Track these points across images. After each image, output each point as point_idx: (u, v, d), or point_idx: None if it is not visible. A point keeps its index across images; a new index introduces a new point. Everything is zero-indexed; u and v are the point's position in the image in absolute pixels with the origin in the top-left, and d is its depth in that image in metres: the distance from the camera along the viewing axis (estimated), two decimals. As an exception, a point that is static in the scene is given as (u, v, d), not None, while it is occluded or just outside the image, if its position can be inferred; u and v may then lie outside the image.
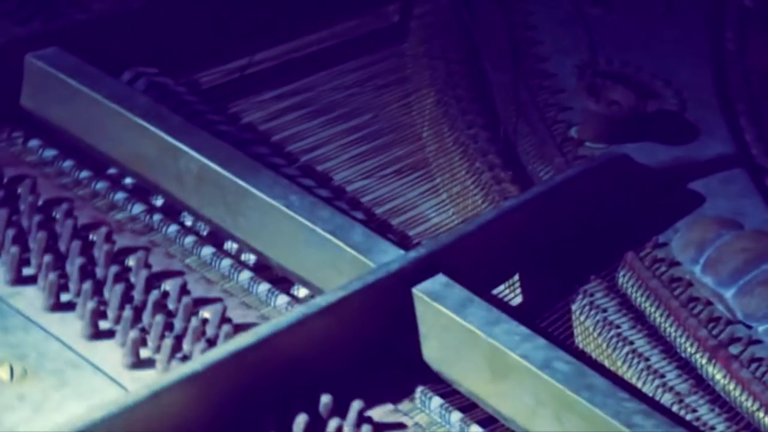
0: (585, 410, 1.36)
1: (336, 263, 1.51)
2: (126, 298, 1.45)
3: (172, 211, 1.64)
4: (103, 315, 1.45)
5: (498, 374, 1.42)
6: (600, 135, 1.87)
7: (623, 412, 1.35)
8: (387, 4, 2.18)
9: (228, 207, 1.59)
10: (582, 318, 1.64)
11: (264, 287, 1.53)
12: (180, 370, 1.30)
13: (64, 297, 1.47)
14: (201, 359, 1.31)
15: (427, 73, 2.04)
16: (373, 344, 1.44)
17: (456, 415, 1.41)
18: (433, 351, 1.46)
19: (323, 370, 1.38)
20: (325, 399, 1.35)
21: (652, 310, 1.65)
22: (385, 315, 1.44)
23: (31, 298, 1.46)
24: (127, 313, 1.42)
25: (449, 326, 1.44)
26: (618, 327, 1.62)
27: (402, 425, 1.40)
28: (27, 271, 1.49)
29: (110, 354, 1.41)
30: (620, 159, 1.80)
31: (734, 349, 1.56)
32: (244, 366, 1.33)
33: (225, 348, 1.33)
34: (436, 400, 1.43)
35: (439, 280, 1.47)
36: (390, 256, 1.50)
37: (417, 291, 1.45)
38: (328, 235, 1.52)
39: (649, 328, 1.63)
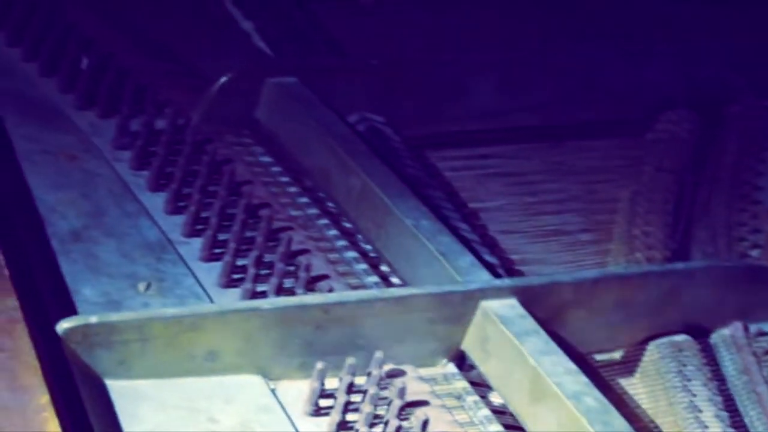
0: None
1: (439, 281, 1.76)
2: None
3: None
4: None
5: (535, 397, 1.61)
6: None
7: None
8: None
9: (375, 221, 1.88)
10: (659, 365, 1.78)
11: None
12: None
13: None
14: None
15: (631, 169, 2.28)
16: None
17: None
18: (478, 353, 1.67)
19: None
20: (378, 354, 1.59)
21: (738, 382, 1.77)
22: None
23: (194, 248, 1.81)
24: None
25: (506, 344, 1.65)
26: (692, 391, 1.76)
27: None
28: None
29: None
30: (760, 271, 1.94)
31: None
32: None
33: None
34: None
35: (511, 303, 1.69)
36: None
37: (486, 304, 1.68)
38: (438, 255, 1.77)
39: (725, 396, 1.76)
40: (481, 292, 1.69)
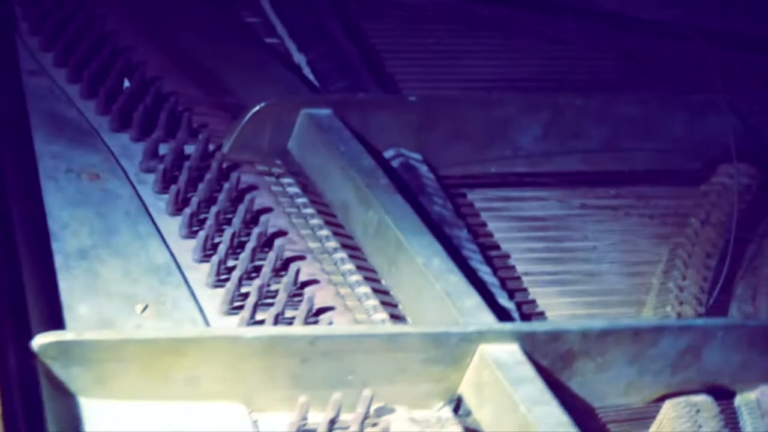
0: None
1: (442, 321, 1.72)
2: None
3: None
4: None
5: (524, 446, 1.55)
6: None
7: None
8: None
9: (388, 256, 1.85)
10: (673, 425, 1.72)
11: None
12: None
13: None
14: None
15: (677, 221, 2.21)
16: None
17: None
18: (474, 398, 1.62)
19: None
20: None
21: None
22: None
23: (203, 273, 1.80)
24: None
25: (500, 390, 1.60)
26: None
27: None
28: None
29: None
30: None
31: None
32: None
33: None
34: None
35: (512, 348, 1.63)
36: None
37: (485, 348, 1.62)
38: (444, 295, 1.73)
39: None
40: (480, 334, 1.64)
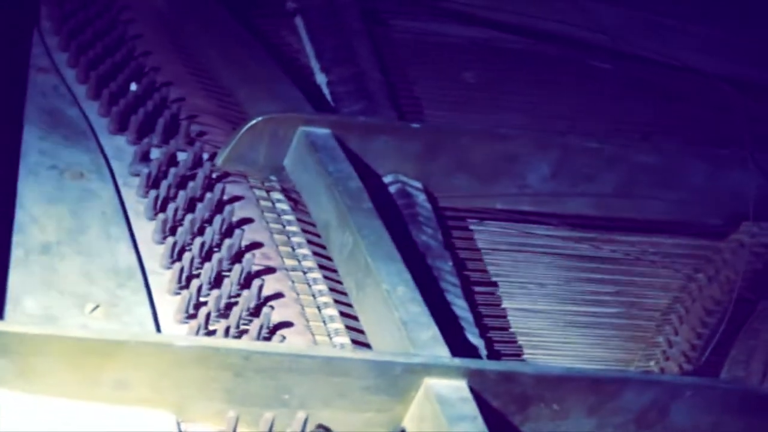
0: None
1: (395, 350, 1.67)
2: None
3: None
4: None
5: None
6: None
7: None
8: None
9: (357, 281, 1.81)
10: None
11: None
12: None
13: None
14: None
15: (682, 275, 2.15)
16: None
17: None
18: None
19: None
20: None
21: None
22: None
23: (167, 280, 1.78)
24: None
25: (438, 427, 1.54)
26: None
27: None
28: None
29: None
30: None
31: None
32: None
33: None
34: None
35: (459, 384, 1.57)
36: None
37: (430, 382, 1.57)
38: (401, 325, 1.68)
39: None
40: (424, 367, 1.59)
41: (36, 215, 1.81)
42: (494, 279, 2.07)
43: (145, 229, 1.87)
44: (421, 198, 2.12)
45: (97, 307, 1.67)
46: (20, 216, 1.79)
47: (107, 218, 1.85)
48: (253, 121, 2.06)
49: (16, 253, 1.71)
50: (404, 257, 1.83)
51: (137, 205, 1.93)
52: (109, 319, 1.66)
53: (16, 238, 1.74)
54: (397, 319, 1.70)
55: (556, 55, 2.68)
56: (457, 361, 1.62)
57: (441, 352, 1.66)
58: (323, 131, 2.08)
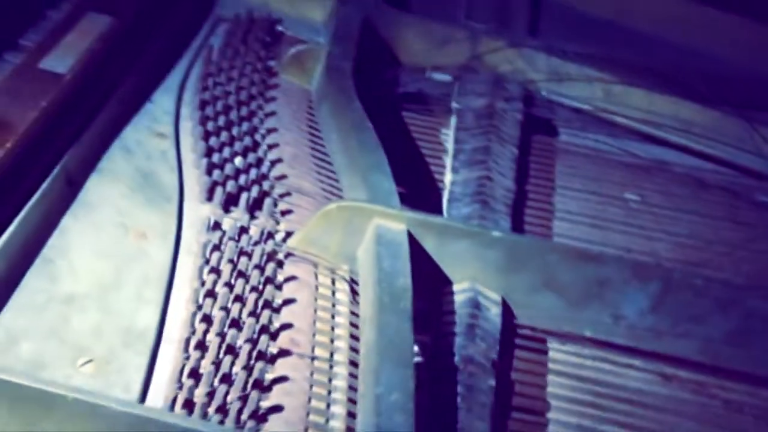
0: None
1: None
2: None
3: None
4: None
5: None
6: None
7: None
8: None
9: (363, 378, 1.75)
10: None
11: None
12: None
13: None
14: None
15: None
16: None
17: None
18: None
19: None
20: None
21: None
22: None
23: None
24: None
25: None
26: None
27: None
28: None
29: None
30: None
31: None
32: None
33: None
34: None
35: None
36: None
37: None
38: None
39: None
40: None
41: (76, 266, 1.85)
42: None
43: (182, 300, 1.89)
44: (493, 312, 2.02)
45: (89, 361, 1.69)
46: (59, 263, 1.85)
47: (147, 280, 1.88)
48: (328, 207, 2.05)
49: (37, 299, 1.77)
50: (428, 366, 1.76)
51: (191, 273, 1.95)
52: (95, 376, 1.68)
53: (44, 285, 1.80)
54: (375, 424, 1.62)
55: (724, 183, 2.53)
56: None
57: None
58: (399, 227, 2.04)
